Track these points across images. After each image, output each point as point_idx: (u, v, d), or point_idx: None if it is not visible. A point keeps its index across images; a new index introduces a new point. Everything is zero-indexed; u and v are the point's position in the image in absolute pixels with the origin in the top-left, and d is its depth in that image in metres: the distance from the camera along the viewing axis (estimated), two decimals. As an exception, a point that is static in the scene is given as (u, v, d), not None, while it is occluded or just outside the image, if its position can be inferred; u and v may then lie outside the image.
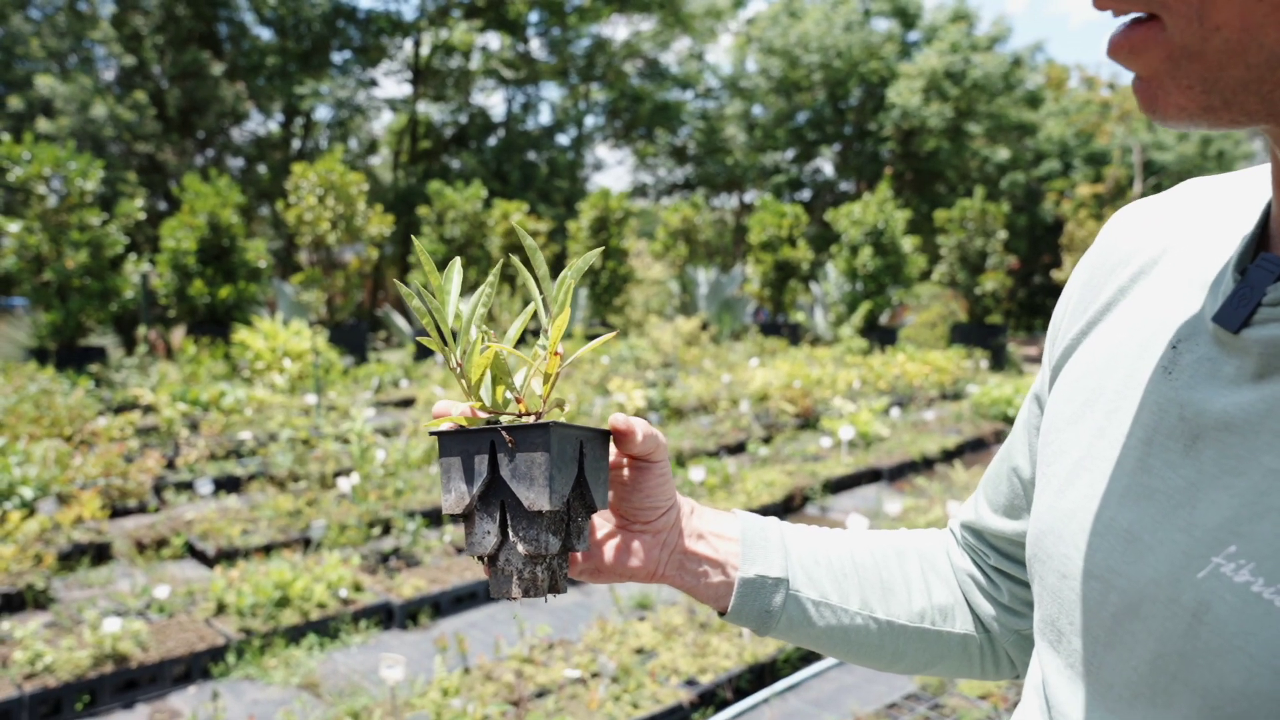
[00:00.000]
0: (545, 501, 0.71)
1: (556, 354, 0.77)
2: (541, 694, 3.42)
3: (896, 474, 7.06)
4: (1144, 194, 25.16)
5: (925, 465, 7.34)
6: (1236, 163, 27.17)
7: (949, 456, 7.65)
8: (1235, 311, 0.57)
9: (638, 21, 27.22)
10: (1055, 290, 22.41)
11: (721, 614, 0.85)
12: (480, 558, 0.75)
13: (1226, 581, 0.53)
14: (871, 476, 6.95)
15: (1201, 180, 0.73)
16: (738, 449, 7.74)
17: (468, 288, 13.86)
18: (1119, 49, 0.54)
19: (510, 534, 0.73)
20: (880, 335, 13.65)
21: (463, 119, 26.54)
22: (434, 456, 6.38)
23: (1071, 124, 26.96)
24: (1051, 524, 0.67)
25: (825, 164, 28.51)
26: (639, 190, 29.55)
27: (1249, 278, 0.57)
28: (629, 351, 11.83)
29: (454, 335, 0.77)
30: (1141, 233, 0.72)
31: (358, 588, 4.40)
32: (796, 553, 0.86)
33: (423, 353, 13.26)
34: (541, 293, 0.78)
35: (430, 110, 26.47)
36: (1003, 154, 24.59)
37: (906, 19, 26.92)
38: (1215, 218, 0.67)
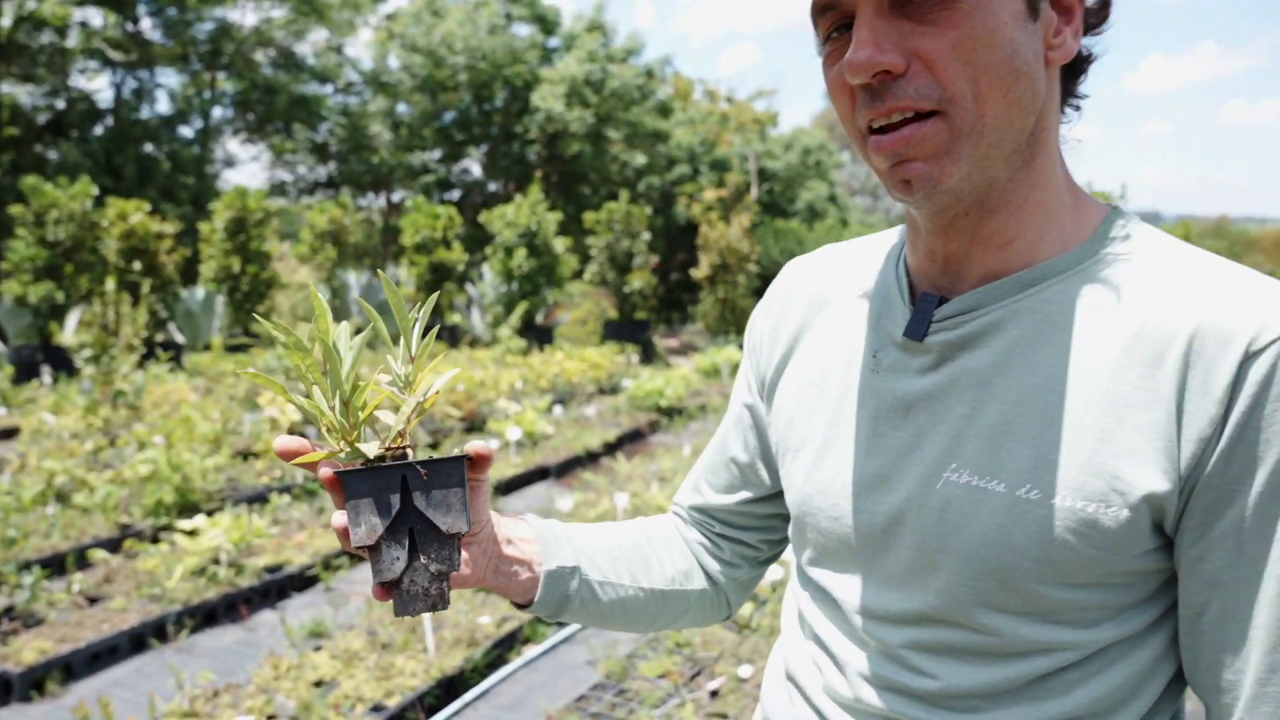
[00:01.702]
0: (464, 524, 0.80)
1: (431, 395, 0.85)
2: (210, 749, 3.11)
3: (564, 470, 7.27)
4: (760, 198, 28.02)
5: (590, 459, 7.63)
6: (830, 171, 31.05)
7: (611, 449, 8.02)
8: (916, 328, 0.87)
9: (268, 8, 25.45)
10: (691, 286, 24.25)
11: (524, 606, 0.99)
12: (383, 583, 0.80)
13: (955, 485, 0.83)
14: (540, 474, 7.10)
15: (838, 246, 1.06)
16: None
17: (79, 297, 12.19)
18: (907, 141, 0.76)
19: (421, 556, 0.80)
20: (537, 334, 13.96)
21: (60, 104, 23.22)
22: (51, 497, 5.55)
23: (697, 132, 29.32)
24: (817, 487, 0.94)
25: (473, 164, 28.57)
26: (278, 188, 27.67)
27: (919, 307, 0.87)
28: (278, 362, 11.07)
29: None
30: (809, 282, 1.03)
31: (-38, 661, 3.72)
32: (580, 544, 1.03)
33: (25, 373, 11.46)
34: (403, 339, 0.85)
35: (16, 92, 22.84)
36: (640, 159, 26.14)
37: (546, 26, 27.70)
38: (858, 270, 0.99)
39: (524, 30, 27.39)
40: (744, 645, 3.89)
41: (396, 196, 28.75)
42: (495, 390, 9.51)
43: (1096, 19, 0.82)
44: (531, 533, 1.00)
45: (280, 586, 4.72)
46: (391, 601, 0.81)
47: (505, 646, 4.02)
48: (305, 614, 4.45)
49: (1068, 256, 0.82)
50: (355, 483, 0.79)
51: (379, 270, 0.83)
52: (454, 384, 9.05)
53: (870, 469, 0.89)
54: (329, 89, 27.66)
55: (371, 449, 0.81)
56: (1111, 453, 0.76)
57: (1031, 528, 0.78)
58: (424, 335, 0.86)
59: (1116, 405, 0.76)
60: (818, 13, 0.79)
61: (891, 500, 0.87)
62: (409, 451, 0.83)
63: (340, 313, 15.71)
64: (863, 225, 28.72)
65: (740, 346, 14.59)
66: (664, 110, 27.51)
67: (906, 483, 0.86)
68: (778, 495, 1.09)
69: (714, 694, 3.52)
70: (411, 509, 0.79)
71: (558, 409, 9.00)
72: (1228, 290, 0.75)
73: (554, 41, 28.20)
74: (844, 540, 0.91)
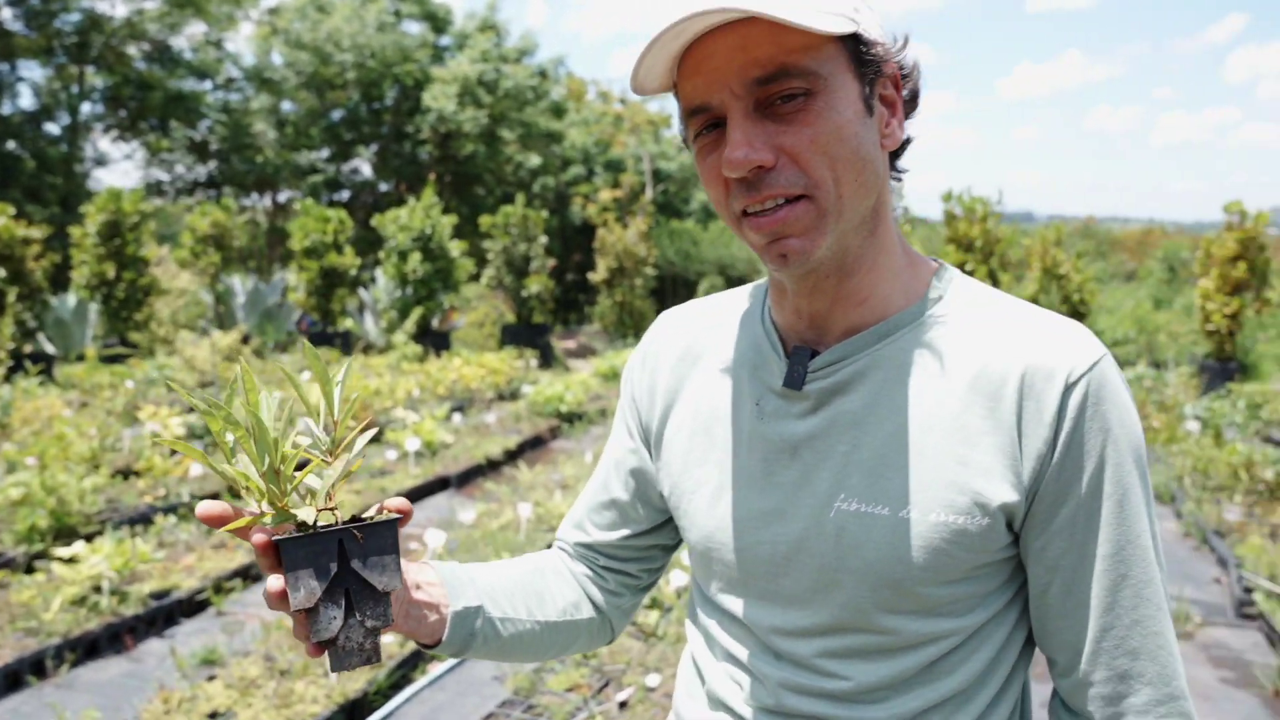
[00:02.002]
0: (398, 582, 0.85)
1: (356, 461, 0.89)
2: (98, 792, 2.97)
3: (465, 479, 7.19)
4: (655, 199, 28.20)
5: (491, 468, 7.56)
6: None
7: (512, 457, 7.96)
8: (795, 378, 0.99)
9: (140, -1, 24.27)
10: (589, 287, 24.21)
11: (432, 646, 1.04)
12: (320, 642, 0.83)
13: (847, 513, 0.96)
14: (441, 485, 7.00)
15: (701, 303, 1.19)
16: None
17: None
18: (783, 221, 0.89)
19: (357, 614, 0.84)
20: (434, 340, 13.73)
21: (-91, 97, 21.69)
22: (-90, 524, 5.18)
23: (591, 133, 29.33)
24: (719, 524, 1.05)
25: (363, 164, 27.90)
26: (154, 188, 26.44)
27: (794, 360, 1.00)
28: (158, 372, 10.59)
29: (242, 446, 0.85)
30: (680, 337, 1.15)
31: None
32: (481, 584, 1.10)
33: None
34: (323, 404, 0.88)
35: None
36: (534, 160, 26.00)
37: (437, 24, 27.26)
38: (722, 328, 1.12)
39: (414, 28, 26.88)
40: (651, 654, 3.92)
41: (282, 197, 27.85)
42: (392, 399, 9.32)
43: (910, 109, 0.98)
44: (436, 576, 1.06)
45: (168, 613, 4.52)
46: (326, 656, 0.86)
47: (409, 666, 3.95)
48: (196, 641, 4.28)
49: (912, 309, 0.99)
50: (293, 549, 0.81)
51: (304, 341, 0.83)
52: (348, 393, 8.82)
53: (767, 504, 1.01)
54: (208, 85, 26.58)
55: (307, 514, 0.83)
56: (970, 474, 0.93)
57: (915, 542, 0.93)
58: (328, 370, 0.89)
59: (969, 434, 0.93)
60: (689, 114, 0.93)
61: (790, 530, 0.99)
62: (336, 514, 0.86)
63: (226, 319, 15.13)
64: (756, 226, 29.11)
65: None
66: (558, 111, 27.43)
67: (803, 514, 0.99)
68: (656, 529, 1.21)
69: (623, 705, 3.54)
70: (348, 570, 0.83)
71: (457, 417, 8.88)
72: (1044, 336, 0.94)
73: (445, 40, 27.79)
74: (750, 570, 1.03)
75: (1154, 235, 34.53)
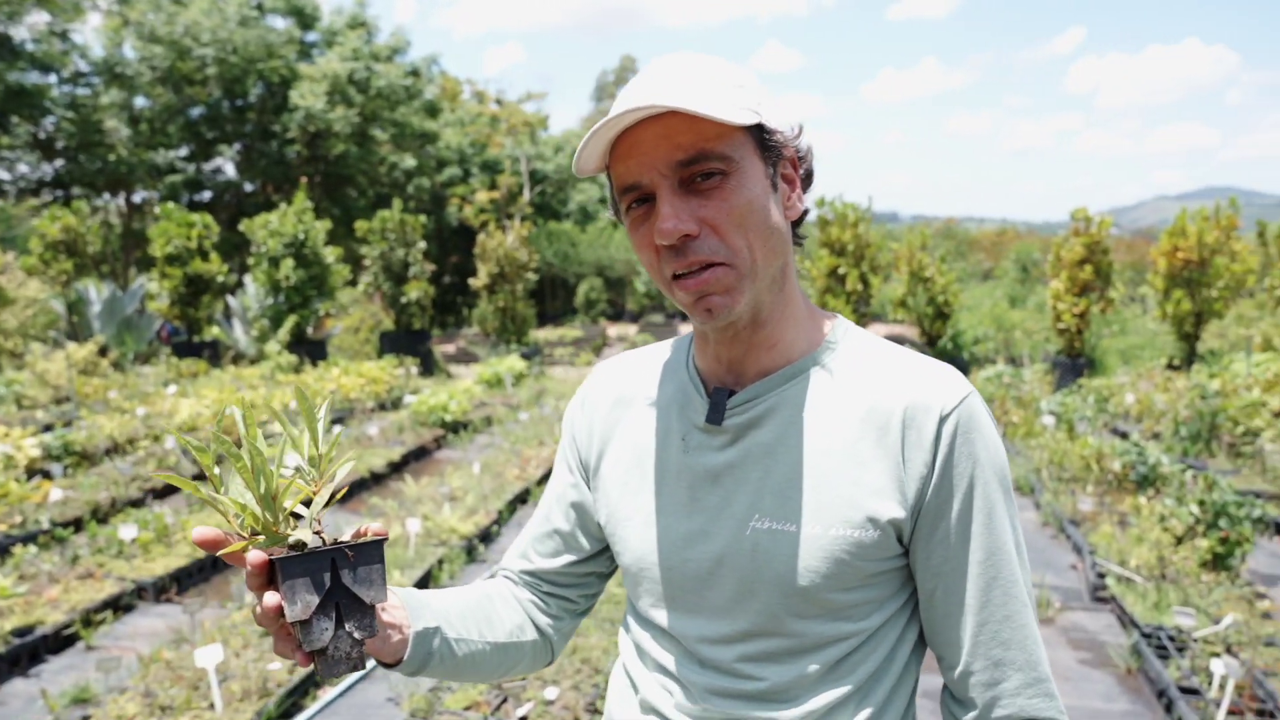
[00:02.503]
0: (384, 595, 0.94)
1: (343, 489, 0.97)
2: None
3: (347, 494, 7.02)
4: (533, 200, 28.06)
5: (375, 481, 7.41)
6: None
7: (397, 468, 7.81)
8: (715, 415, 1.14)
9: (-26, -14, 22.53)
10: (467, 290, 23.85)
11: (393, 665, 1.12)
12: (311, 651, 0.92)
13: (761, 531, 1.10)
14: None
15: (634, 354, 1.34)
16: (169, 492, 7.00)
17: None
18: (707, 282, 1.04)
19: (346, 625, 0.93)
20: (309, 349, 13.30)
21: None
22: None
23: (467, 134, 28.99)
24: (650, 546, 1.19)
25: (226, 164, 26.75)
26: (-7, 188, 24.62)
27: (714, 399, 1.14)
28: (6, 388, 9.92)
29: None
30: (615, 385, 1.30)
31: None
32: (437, 607, 1.18)
33: None
34: (308, 436, 0.96)
35: None
36: (409, 161, 25.49)
37: (304, 19, 26.37)
38: (650, 375, 1.27)
39: (280, 23, 25.91)
40: (548, 667, 3.94)
41: (138, 197, 26.39)
42: (267, 412, 9.01)
43: (806, 185, 1.15)
44: (398, 599, 1.15)
45: (33, 650, 4.27)
46: (313, 665, 0.95)
47: (300, 693, 3.85)
48: (66, 679, 4.06)
49: (814, 355, 1.15)
50: (291, 567, 0.89)
51: (298, 388, 0.87)
52: (222, 407, 8.49)
53: (693, 527, 1.15)
54: (53, 78, 24.91)
55: (306, 534, 0.91)
56: (864, 494, 1.07)
57: (820, 554, 1.07)
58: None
59: (863, 460, 1.08)
60: (622, 192, 1.07)
61: (712, 549, 1.13)
62: (323, 535, 0.94)
63: (80, 329, 14.26)
64: (634, 228, 29.43)
65: (523, 356, 14.61)
66: (432, 110, 26.97)
67: (723, 534, 1.12)
68: (594, 557, 1.33)
69: (523, 721, 3.55)
70: (338, 585, 0.92)
71: (337, 428, 8.65)
72: (922, 376, 1.11)
73: (313, 36, 26.91)
74: (678, 585, 1.17)
75: (1008, 236, 36.52)
